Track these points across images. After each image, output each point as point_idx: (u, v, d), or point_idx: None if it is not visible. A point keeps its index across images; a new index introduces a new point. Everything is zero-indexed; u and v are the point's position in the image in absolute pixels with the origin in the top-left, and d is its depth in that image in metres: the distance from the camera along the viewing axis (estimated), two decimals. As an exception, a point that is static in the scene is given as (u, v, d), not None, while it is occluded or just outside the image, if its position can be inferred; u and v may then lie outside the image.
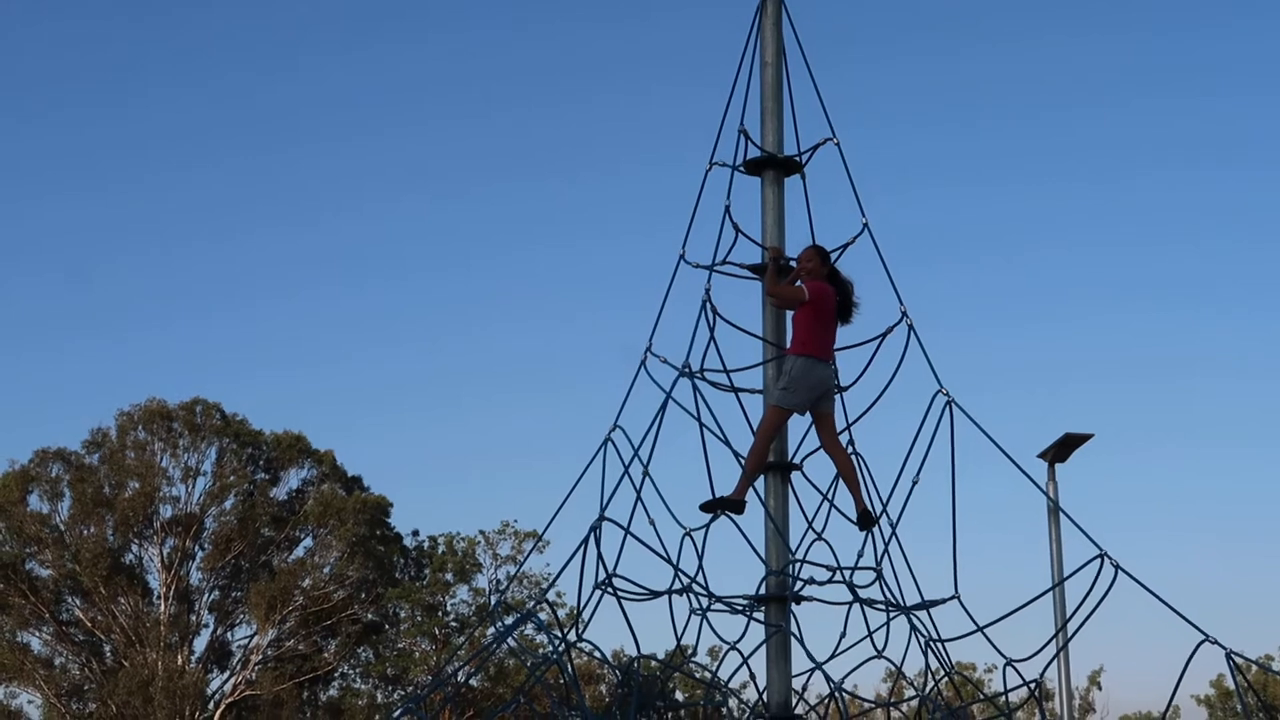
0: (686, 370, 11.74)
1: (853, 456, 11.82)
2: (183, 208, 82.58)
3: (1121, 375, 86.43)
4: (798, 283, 11.73)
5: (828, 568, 11.53)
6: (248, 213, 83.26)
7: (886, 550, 11.66)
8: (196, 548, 47.24)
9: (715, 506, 11.45)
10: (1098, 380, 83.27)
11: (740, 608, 11.31)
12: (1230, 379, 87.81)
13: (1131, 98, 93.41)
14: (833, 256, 12.02)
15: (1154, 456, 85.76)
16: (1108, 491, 66.23)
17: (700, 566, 11.46)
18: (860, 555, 11.65)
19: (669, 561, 11.40)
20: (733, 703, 12.22)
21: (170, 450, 47.14)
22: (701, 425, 11.66)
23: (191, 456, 47.30)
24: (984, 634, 11.42)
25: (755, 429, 11.58)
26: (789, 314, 11.75)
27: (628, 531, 11.29)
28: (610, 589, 11.27)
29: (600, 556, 11.24)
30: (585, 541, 11.22)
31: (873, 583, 11.64)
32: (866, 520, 11.61)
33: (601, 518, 11.29)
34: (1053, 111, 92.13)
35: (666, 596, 11.36)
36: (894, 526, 11.71)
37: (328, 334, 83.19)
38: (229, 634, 48.33)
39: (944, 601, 11.54)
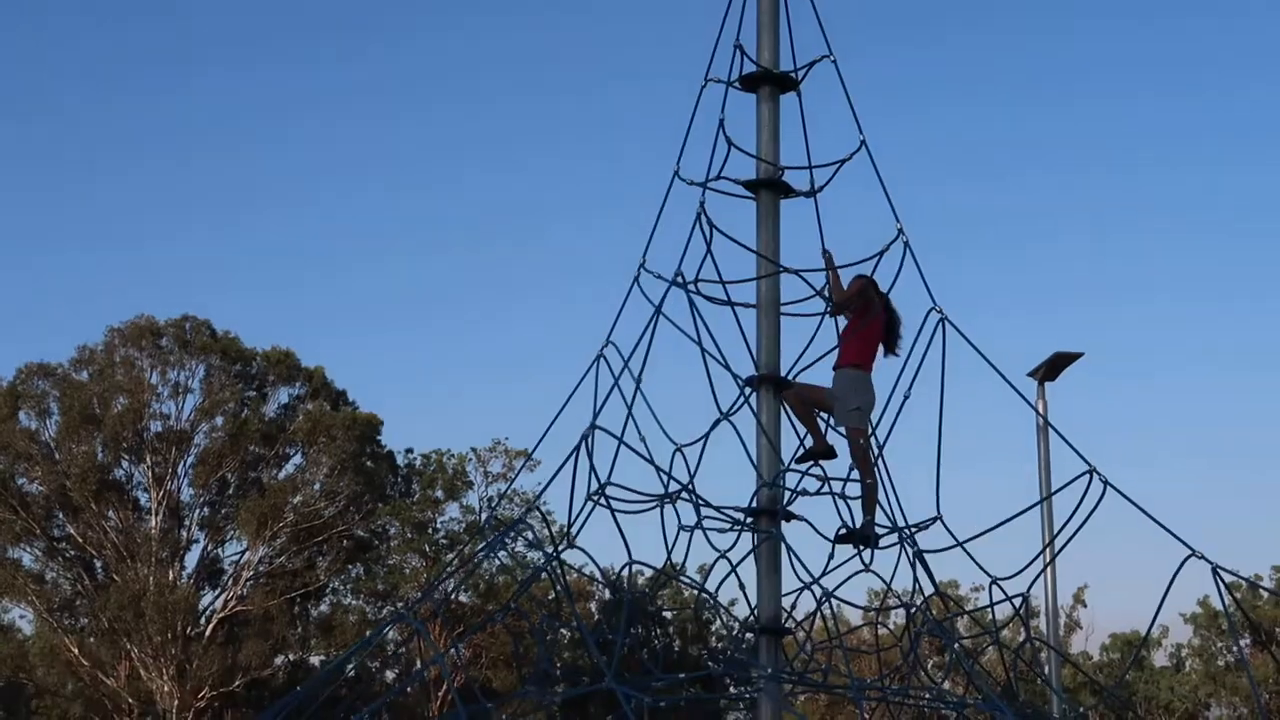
0: (679, 280, 11.74)
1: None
2: (170, 120, 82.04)
3: (1112, 296, 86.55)
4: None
5: (819, 478, 11.63)
6: (234, 126, 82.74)
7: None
8: (186, 464, 47.35)
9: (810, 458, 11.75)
10: (1089, 301, 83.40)
11: (733, 520, 11.40)
12: (1219, 301, 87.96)
13: (1128, 17, 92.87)
14: (831, 172, 12.08)
15: (1144, 377, 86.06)
16: (1097, 412, 66.51)
17: (692, 480, 11.52)
18: (850, 470, 11.75)
19: (660, 470, 11.44)
20: (723, 616, 12.35)
21: (159, 367, 47.14)
22: (697, 334, 11.64)
23: (181, 373, 47.31)
24: (964, 549, 11.52)
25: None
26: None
27: (620, 440, 11.32)
28: (602, 499, 11.33)
29: (593, 467, 11.29)
30: (577, 449, 11.26)
31: (858, 498, 11.74)
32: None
33: (593, 425, 11.33)
34: (1049, 30, 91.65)
35: (658, 510, 11.42)
36: (881, 446, 11.81)
37: (317, 248, 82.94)
38: (220, 550, 48.58)
39: (930, 523, 11.63)
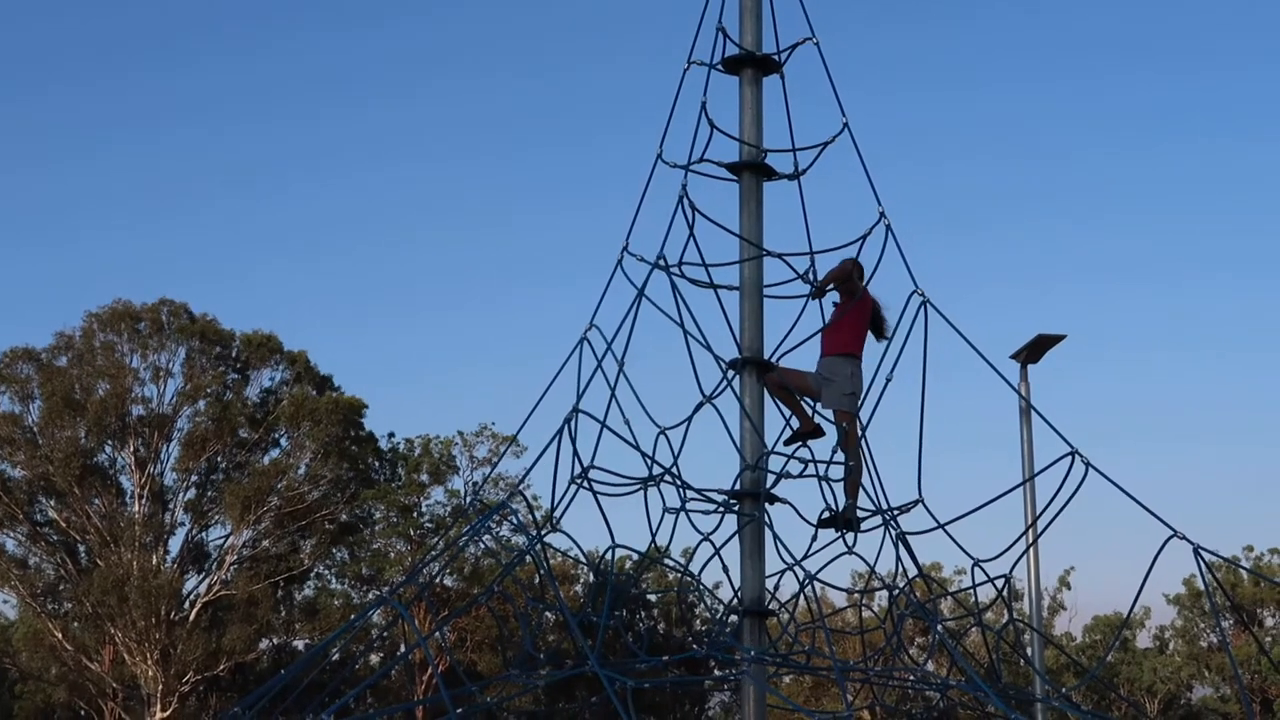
0: (661, 263, 11.73)
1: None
2: (148, 102, 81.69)
3: (1095, 278, 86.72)
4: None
5: (802, 460, 11.65)
6: (215, 110, 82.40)
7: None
8: (169, 448, 47.25)
9: (797, 439, 11.79)
10: (1071, 283, 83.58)
11: (716, 502, 11.40)
12: (1203, 283, 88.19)
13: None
14: (813, 155, 12.10)
15: (1126, 358, 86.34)
16: (1079, 393, 66.75)
17: (675, 463, 11.52)
18: (834, 452, 11.77)
19: (644, 453, 11.45)
20: (707, 599, 12.37)
21: (140, 351, 47.00)
22: (680, 317, 11.64)
23: (161, 357, 47.17)
24: (946, 531, 11.54)
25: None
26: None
27: (603, 425, 11.32)
28: (586, 483, 11.32)
29: (575, 451, 11.29)
30: (560, 433, 11.26)
31: (841, 480, 11.75)
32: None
33: (576, 409, 11.33)
34: (1036, 7, 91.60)
35: (641, 492, 11.42)
36: (864, 427, 11.83)
37: (297, 231, 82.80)
38: (204, 534, 48.51)
39: (912, 505, 11.65)
